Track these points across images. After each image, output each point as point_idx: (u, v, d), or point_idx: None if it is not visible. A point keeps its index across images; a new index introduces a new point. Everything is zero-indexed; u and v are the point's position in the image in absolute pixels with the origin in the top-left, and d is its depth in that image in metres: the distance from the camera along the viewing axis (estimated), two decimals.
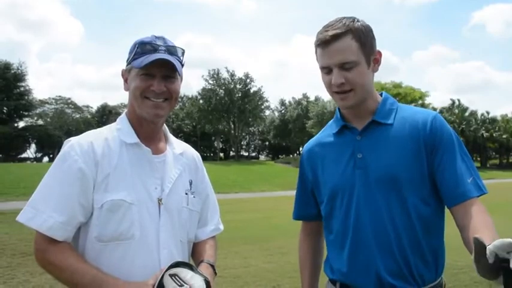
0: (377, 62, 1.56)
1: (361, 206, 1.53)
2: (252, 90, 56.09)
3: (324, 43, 1.49)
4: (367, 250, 1.52)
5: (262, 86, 57.29)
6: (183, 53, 1.57)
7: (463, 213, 1.43)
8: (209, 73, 56.19)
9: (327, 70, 1.52)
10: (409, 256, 1.48)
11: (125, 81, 1.58)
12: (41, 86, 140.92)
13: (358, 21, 1.51)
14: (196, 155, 1.77)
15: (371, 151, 1.54)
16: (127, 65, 1.56)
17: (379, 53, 1.56)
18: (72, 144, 1.46)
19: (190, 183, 1.65)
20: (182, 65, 1.57)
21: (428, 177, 1.51)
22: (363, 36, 1.49)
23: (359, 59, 1.48)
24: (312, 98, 65.43)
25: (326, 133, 1.73)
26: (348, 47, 1.47)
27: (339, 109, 1.67)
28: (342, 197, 1.58)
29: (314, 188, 1.73)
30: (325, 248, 1.77)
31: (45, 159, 64.97)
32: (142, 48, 1.50)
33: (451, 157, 1.49)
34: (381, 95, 1.65)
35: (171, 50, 1.53)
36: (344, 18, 1.51)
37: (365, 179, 1.53)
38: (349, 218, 1.56)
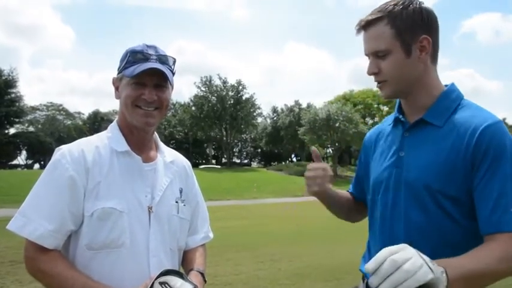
0: (424, 49, 1.37)
1: (388, 208, 1.45)
2: (244, 98, 56.21)
3: (359, 29, 1.43)
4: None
5: (254, 93, 57.31)
6: (174, 62, 1.58)
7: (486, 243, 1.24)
8: (201, 80, 56.29)
9: (368, 57, 1.44)
10: None
11: (116, 89, 1.58)
12: (32, 92, 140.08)
13: (403, 4, 1.36)
14: (186, 163, 1.78)
15: (412, 152, 1.41)
16: (118, 73, 1.56)
17: (426, 40, 1.36)
18: (63, 152, 1.46)
19: (181, 192, 1.65)
20: (173, 74, 1.58)
21: (465, 194, 1.30)
22: (400, 22, 1.35)
23: (392, 47, 1.36)
24: (304, 105, 65.65)
25: (386, 123, 1.64)
26: (380, 34, 1.37)
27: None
28: (378, 193, 1.51)
29: (364, 176, 1.68)
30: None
31: (36, 166, 64.56)
32: (133, 57, 1.51)
33: (496, 175, 1.25)
34: (447, 87, 1.46)
35: (163, 59, 1.54)
36: (393, 0, 1.39)
37: (398, 179, 1.42)
38: (376, 218, 1.52)
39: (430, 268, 0.98)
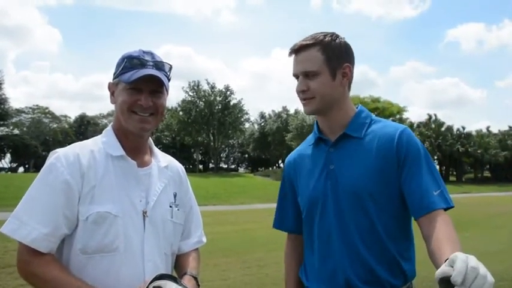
0: (345, 75, 1.61)
1: (332, 216, 1.60)
2: (232, 103, 56.08)
3: (293, 52, 1.62)
4: (335, 258, 1.59)
5: (242, 99, 57.01)
6: (170, 69, 1.59)
7: (427, 225, 1.44)
8: (189, 85, 55.97)
9: (296, 77, 1.63)
10: (376, 264, 1.54)
11: (112, 94, 1.59)
12: (17, 94, 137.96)
13: (331, 36, 1.60)
14: (180, 167, 1.79)
15: (341, 163, 1.61)
16: (114, 79, 1.57)
17: (348, 68, 1.61)
18: (58, 156, 1.46)
19: (175, 196, 1.66)
20: (169, 80, 1.60)
21: (396, 190, 1.55)
22: (330, 50, 1.57)
23: (321, 70, 1.56)
24: (291, 111, 65.72)
25: (305, 145, 1.81)
26: (312, 58, 1.57)
27: (317, 122, 1.73)
28: (317, 207, 1.65)
29: (296, 197, 1.79)
30: None
31: (21, 169, 63.61)
32: (130, 62, 1.51)
33: (417, 170, 1.52)
34: (358, 108, 1.71)
35: (159, 65, 1.55)
36: (322, 32, 1.62)
37: (335, 189, 1.60)
38: (322, 227, 1.64)
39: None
